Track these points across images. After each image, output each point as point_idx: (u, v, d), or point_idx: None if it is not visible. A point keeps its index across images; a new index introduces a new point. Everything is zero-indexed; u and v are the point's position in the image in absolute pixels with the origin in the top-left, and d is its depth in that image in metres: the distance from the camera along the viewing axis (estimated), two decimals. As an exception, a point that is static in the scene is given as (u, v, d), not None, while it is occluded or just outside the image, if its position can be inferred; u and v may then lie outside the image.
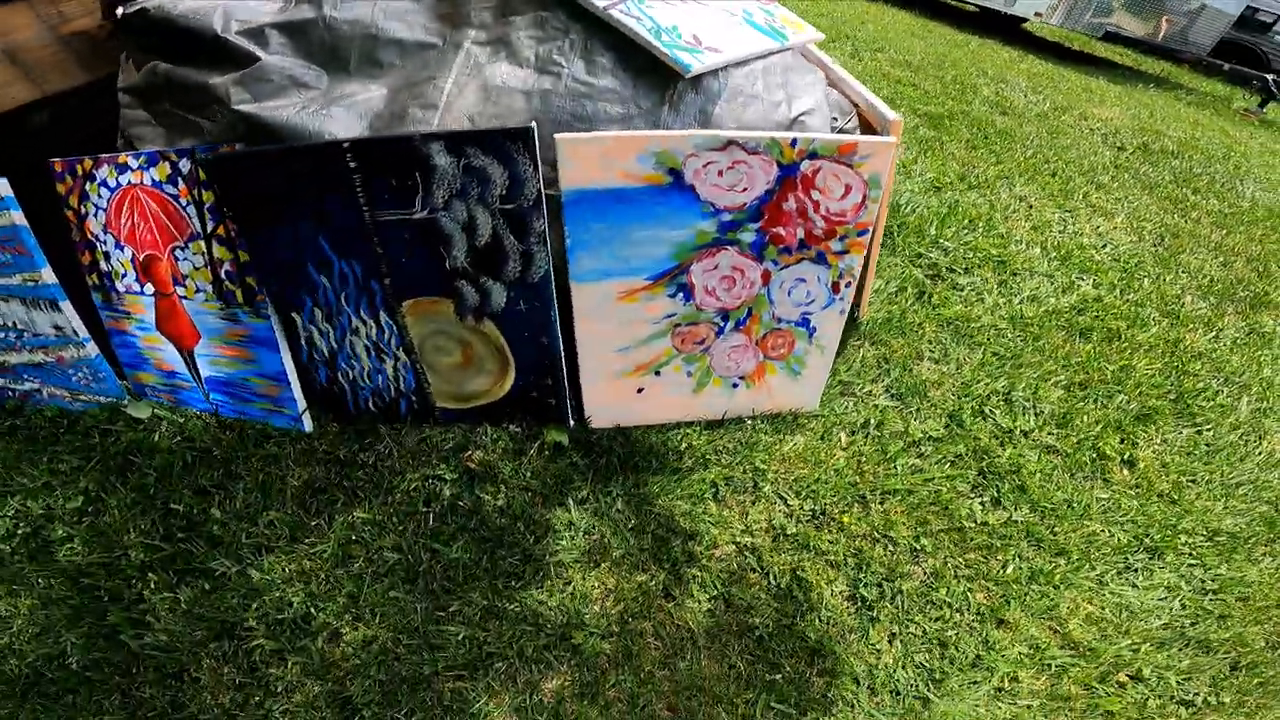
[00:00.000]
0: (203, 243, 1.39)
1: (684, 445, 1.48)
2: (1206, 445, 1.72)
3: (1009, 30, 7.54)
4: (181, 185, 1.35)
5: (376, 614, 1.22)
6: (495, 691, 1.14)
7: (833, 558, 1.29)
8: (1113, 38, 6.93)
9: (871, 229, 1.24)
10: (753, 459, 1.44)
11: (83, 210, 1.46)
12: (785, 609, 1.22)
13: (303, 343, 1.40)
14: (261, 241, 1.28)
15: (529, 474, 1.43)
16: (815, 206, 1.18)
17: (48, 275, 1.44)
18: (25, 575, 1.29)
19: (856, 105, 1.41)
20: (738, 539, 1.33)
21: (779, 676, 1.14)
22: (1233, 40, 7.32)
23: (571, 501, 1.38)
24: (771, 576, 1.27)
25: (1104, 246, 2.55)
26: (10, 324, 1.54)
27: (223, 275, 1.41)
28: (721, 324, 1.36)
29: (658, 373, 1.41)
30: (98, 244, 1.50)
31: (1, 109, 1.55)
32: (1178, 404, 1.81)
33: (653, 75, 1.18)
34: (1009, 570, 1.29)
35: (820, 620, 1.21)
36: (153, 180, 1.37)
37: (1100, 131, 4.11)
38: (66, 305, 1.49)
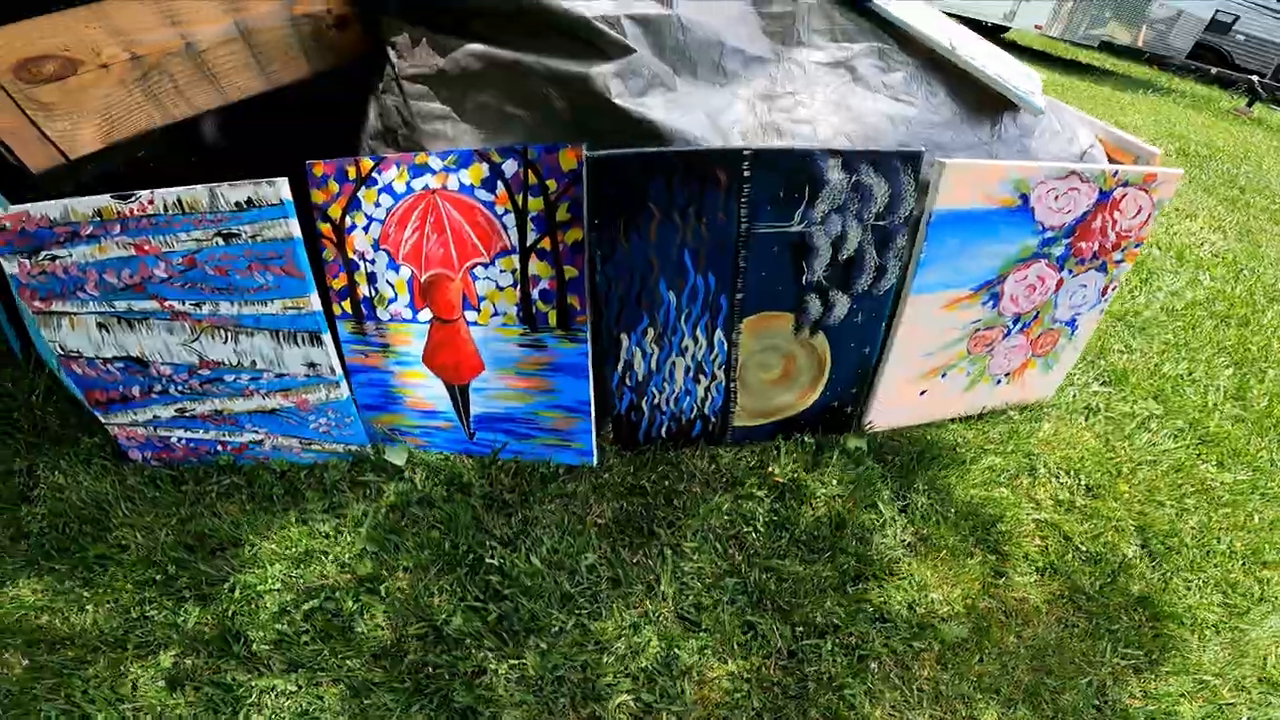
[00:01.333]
0: (515, 258, 1.28)
1: (956, 440, 1.58)
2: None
3: (990, 39, 8.28)
4: (500, 190, 1.23)
5: (735, 644, 1.19)
6: (875, 691, 1.17)
7: (1119, 523, 1.45)
8: (1106, 46, 7.54)
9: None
10: (1021, 446, 1.57)
11: (347, 222, 1.28)
12: (1100, 571, 1.35)
13: (619, 367, 1.33)
14: (618, 253, 1.19)
15: (834, 481, 1.45)
16: (1114, 224, 1.35)
17: (314, 302, 1.26)
18: (325, 660, 1.12)
19: (1101, 139, 1.61)
20: (1036, 516, 1.44)
21: (1117, 628, 1.26)
22: (1200, 41, 7.64)
23: (880, 502, 1.43)
24: (1077, 544, 1.39)
25: (1201, 245, 2.96)
26: (248, 363, 1.31)
27: (535, 295, 1.30)
28: (1011, 326, 1.48)
29: (944, 375, 1.50)
30: (360, 263, 1.32)
31: (227, 99, 1.34)
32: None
33: (978, 111, 1.30)
34: (1255, 520, 1.51)
35: (1132, 576, 1.35)
36: (461, 185, 1.23)
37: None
38: (328, 338, 1.31)
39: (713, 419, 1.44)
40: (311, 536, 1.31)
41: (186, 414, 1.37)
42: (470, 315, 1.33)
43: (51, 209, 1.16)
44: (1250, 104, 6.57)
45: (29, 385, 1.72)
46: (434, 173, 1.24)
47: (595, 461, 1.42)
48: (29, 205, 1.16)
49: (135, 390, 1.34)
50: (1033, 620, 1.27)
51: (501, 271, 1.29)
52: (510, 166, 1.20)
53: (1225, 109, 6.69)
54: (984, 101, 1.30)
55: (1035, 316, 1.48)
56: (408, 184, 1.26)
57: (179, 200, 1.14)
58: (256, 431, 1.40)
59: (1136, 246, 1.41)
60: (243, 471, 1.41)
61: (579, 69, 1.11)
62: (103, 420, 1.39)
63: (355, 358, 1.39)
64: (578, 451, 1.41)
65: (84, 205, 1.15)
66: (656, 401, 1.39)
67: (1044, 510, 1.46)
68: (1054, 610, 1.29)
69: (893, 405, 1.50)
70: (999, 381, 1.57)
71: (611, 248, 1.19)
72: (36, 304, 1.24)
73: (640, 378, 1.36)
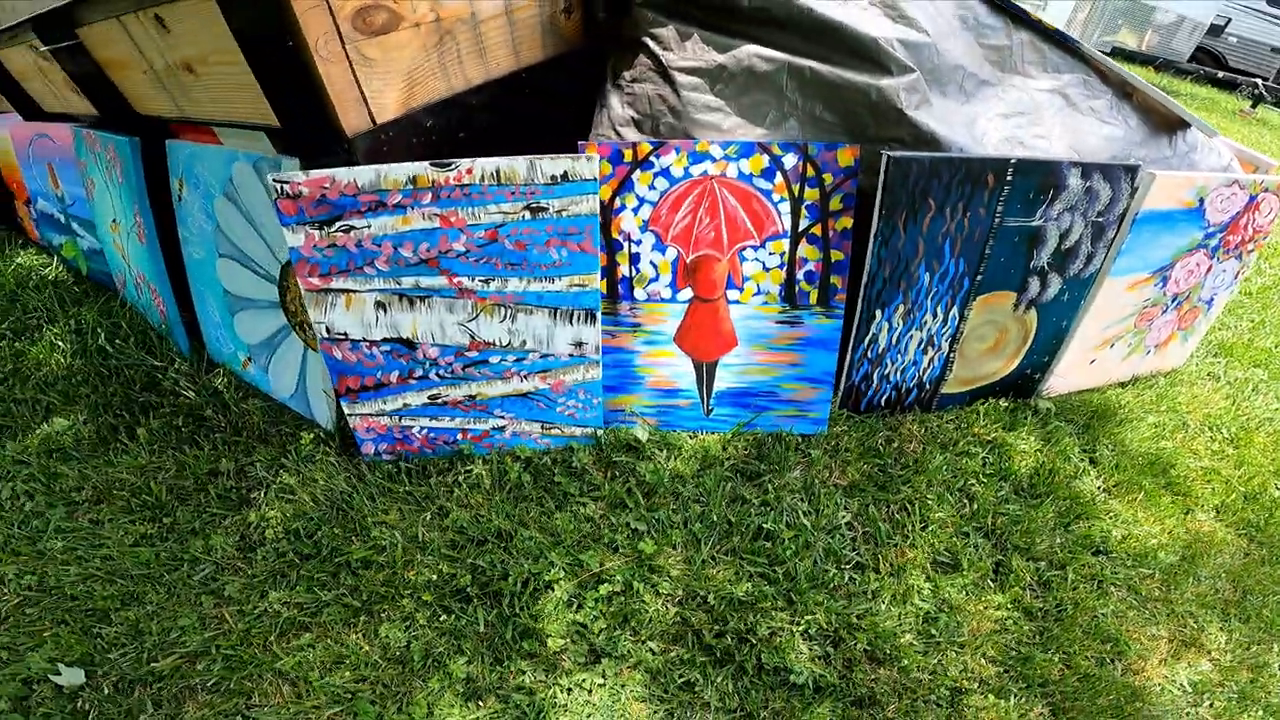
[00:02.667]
0: (785, 241, 1.35)
1: (1119, 402, 1.77)
2: None
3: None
4: (778, 180, 1.31)
5: (990, 580, 1.29)
6: (1120, 612, 1.29)
7: (1262, 467, 1.66)
8: (1117, 51, 7.80)
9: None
10: (1171, 406, 1.79)
11: (616, 203, 1.32)
12: (1259, 506, 1.55)
13: (865, 341, 1.42)
14: (894, 240, 1.30)
15: (1031, 438, 1.60)
16: (1253, 221, 1.59)
17: (595, 280, 1.28)
18: (623, 646, 1.14)
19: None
20: (1198, 464, 1.64)
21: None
22: (1198, 45, 7.91)
23: (1072, 455, 1.58)
24: (1237, 486, 1.59)
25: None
26: (518, 343, 1.30)
27: (800, 276, 1.37)
28: (1169, 304, 1.69)
29: (1112, 346, 1.69)
30: (624, 244, 1.36)
31: (488, 76, 1.32)
32: None
33: (1159, 131, 1.51)
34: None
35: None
36: (740, 173, 1.30)
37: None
38: (598, 315, 1.32)
39: (926, 387, 1.56)
40: (576, 520, 1.31)
41: (439, 400, 1.35)
42: (732, 294, 1.39)
43: (361, 175, 1.11)
44: (1254, 105, 6.76)
45: (211, 384, 1.65)
46: (714, 160, 1.29)
47: (825, 429, 1.52)
48: (334, 170, 1.10)
49: (394, 375, 1.31)
50: (1222, 549, 1.46)
51: (770, 254, 1.36)
52: (790, 160, 1.29)
53: (1231, 110, 6.97)
54: (1161, 123, 1.53)
55: (1187, 296, 1.70)
56: (686, 169, 1.31)
57: (497, 171, 1.13)
58: (502, 417, 1.39)
59: (1264, 240, 1.67)
60: (486, 460, 1.39)
61: (872, 80, 1.23)
62: (346, 410, 1.34)
63: (603, 339, 1.41)
64: (813, 420, 1.49)
65: (399, 172, 1.11)
66: (887, 372, 1.50)
67: (1203, 459, 1.67)
68: (1235, 541, 1.49)
69: (1067, 373, 1.68)
70: (1148, 352, 1.78)
71: (889, 235, 1.29)
72: (313, 280, 1.19)
73: (880, 350, 1.46)
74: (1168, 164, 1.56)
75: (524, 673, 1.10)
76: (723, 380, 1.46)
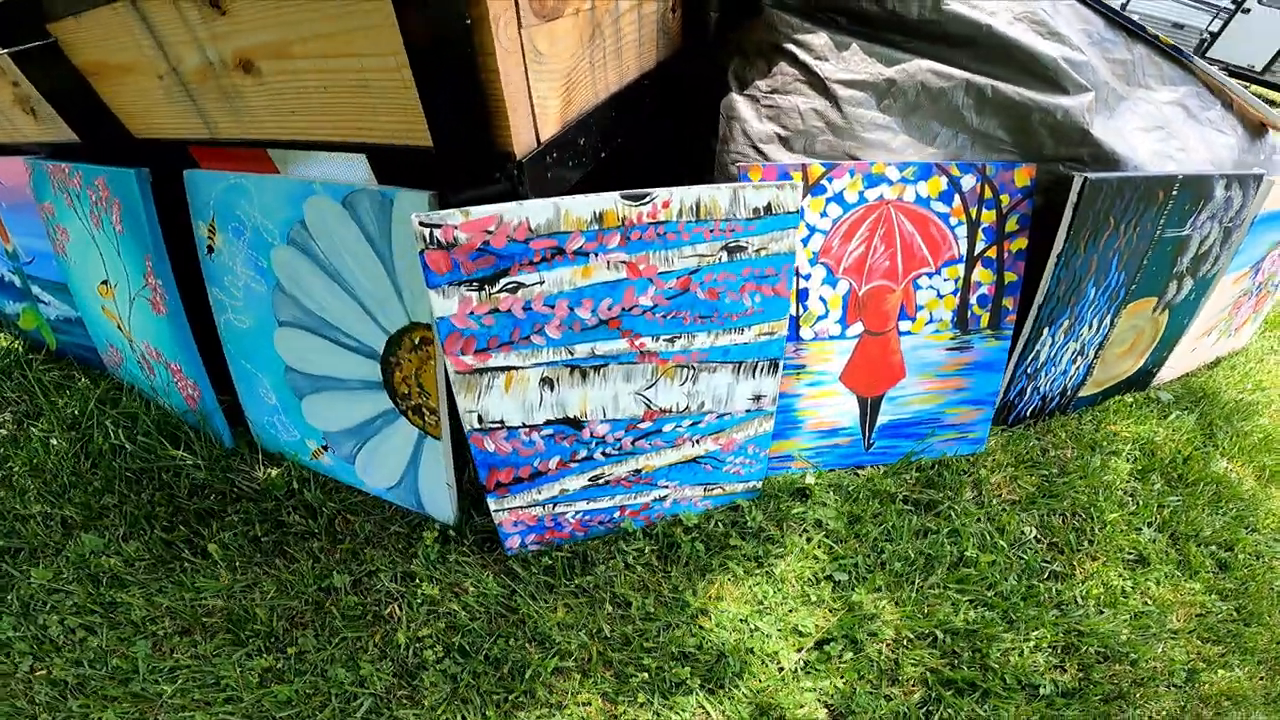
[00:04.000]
0: (961, 266, 1.24)
1: (1214, 385, 1.83)
2: None
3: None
4: (956, 203, 1.20)
5: (1177, 569, 1.32)
6: None
7: None
8: None
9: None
10: (1256, 383, 1.88)
11: (785, 240, 1.16)
12: None
13: (1028, 358, 1.36)
14: (1074, 259, 1.23)
15: (1161, 430, 1.62)
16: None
17: (784, 326, 1.12)
18: (864, 702, 1.05)
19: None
20: None
21: None
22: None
23: (1198, 440, 1.61)
24: None
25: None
26: (696, 406, 1.12)
27: (973, 300, 1.28)
28: (1254, 291, 1.75)
29: (1209, 334, 1.74)
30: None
31: (622, 80, 1.11)
32: None
33: (1255, 137, 1.53)
34: None
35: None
36: (918, 196, 1.19)
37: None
38: (781, 364, 1.16)
39: (1068, 393, 1.54)
40: (772, 582, 1.19)
41: (600, 481, 1.15)
42: (904, 325, 1.28)
43: (535, 212, 0.86)
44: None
45: (279, 482, 1.35)
46: (890, 183, 1.17)
47: (983, 448, 1.45)
48: (500, 208, 0.85)
49: (554, 461, 1.10)
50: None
51: (945, 280, 1.26)
52: (969, 181, 1.19)
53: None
54: (1251, 128, 1.56)
55: (1265, 285, 1.78)
56: (860, 194, 1.17)
57: (697, 204, 0.93)
58: (666, 487, 1.21)
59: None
60: (649, 534, 1.23)
61: (1055, 100, 1.15)
62: (493, 506, 1.12)
63: (769, 384, 1.27)
64: (972, 441, 1.42)
65: (582, 207, 0.88)
66: (1039, 384, 1.45)
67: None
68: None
69: (1174, 362, 1.73)
70: (1230, 335, 1.86)
71: (1071, 254, 1.23)
72: (466, 359, 0.95)
73: (1038, 365, 1.40)
74: (1263, 167, 1.61)
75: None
76: (885, 414, 1.36)
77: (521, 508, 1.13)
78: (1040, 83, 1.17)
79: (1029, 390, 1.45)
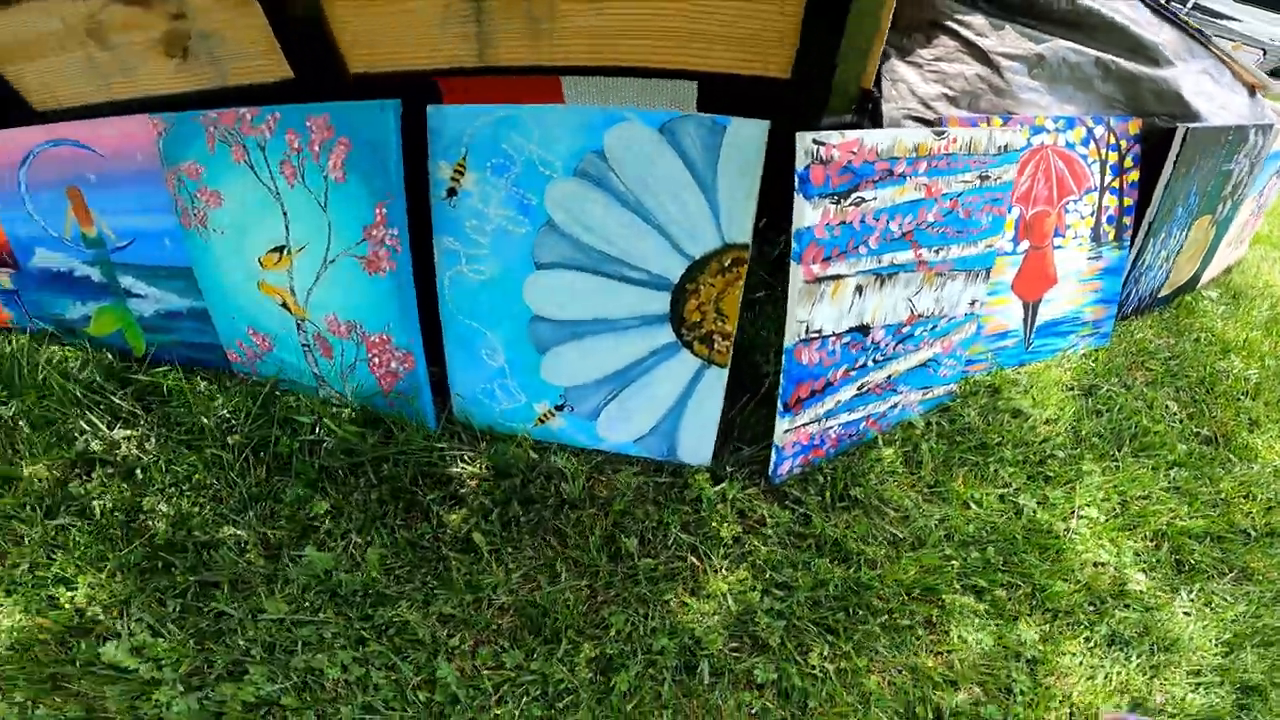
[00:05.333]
0: (1095, 195, 1.60)
1: (1235, 285, 2.31)
2: None
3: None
4: (1091, 146, 1.57)
5: None
6: None
7: None
8: None
9: None
10: (1265, 283, 2.35)
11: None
12: None
13: (1139, 264, 1.77)
14: (1172, 187, 1.63)
15: (1219, 319, 2.05)
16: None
17: (1001, 238, 1.44)
18: None
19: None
20: None
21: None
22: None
23: (1248, 328, 2.02)
24: None
25: None
26: (938, 310, 1.38)
27: (1104, 220, 1.64)
28: (1257, 210, 2.28)
29: (1230, 245, 2.23)
30: None
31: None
32: None
33: (1251, 97, 2.02)
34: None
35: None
36: (1066, 142, 1.55)
37: None
38: (990, 270, 1.46)
39: (1153, 294, 1.97)
40: (1003, 465, 1.40)
41: (863, 389, 1.37)
42: (1057, 241, 1.62)
43: (882, 138, 1.08)
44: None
45: (517, 453, 1.27)
46: (1048, 132, 1.55)
47: (1108, 342, 1.83)
48: (862, 133, 1.06)
49: (839, 372, 1.31)
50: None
51: (1085, 205, 1.64)
52: (1100, 130, 1.60)
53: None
54: (1250, 89, 2.06)
55: (1263, 205, 2.30)
56: (1027, 140, 1.52)
57: (970, 140, 1.24)
58: (900, 393, 1.44)
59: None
60: (889, 443, 1.39)
61: (1158, 72, 1.59)
62: (785, 427, 1.22)
63: (966, 296, 1.56)
64: (1102, 335, 1.81)
65: (909, 138, 1.12)
66: (1140, 286, 1.87)
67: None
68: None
69: (1210, 269, 2.21)
70: (1239, 245, 2.38)
71: (1173, 183, 1.65)
72: (813, 268, 1.14)
73: (1140, 270, 1.81)
74: (1263, 119, 2.11)
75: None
76: (1041, 316, 1.70)
77: (804, 425, 1.30)
78: (1145, 58, 1.60)
79: (1132, 293, 1.86)
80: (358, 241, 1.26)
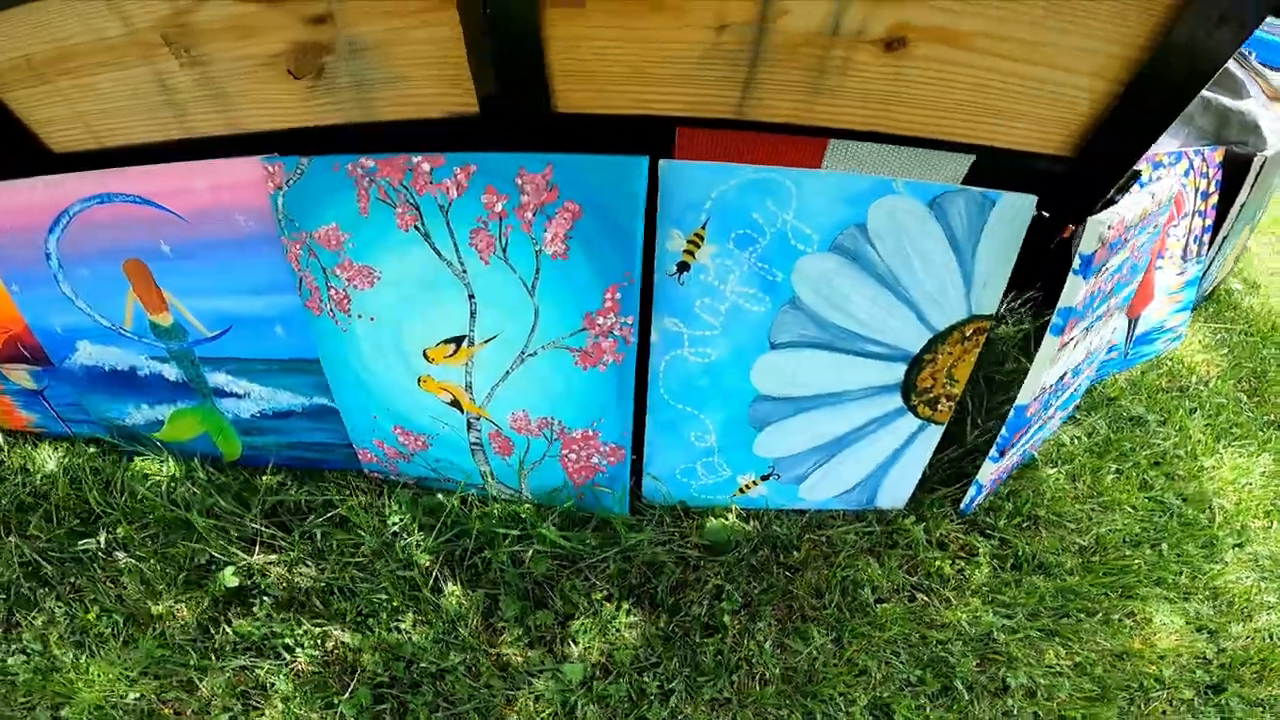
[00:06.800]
0: (1188, 219, 1.75)
1: (1252, 274, 2.67)
2: None
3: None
4: (1191, 176, 1.71)
5: None
6: None
7: None
8: None
9: None
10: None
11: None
12: None
13: (1208, 272, 2.02)
14: (1246, 207, 1.86)
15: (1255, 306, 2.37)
16: None
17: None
18: None
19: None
20: None
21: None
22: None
23: None
24: None
25: None
26: (1096, 347, 1.48)
27: (1191, 241, 1.81)
28: None
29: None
30: None
31: None
32: None
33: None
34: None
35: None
36: (1176, 174, 1.66)
37: None
38: None
39: (1203, 290, 2.23)
40: (1160, 466, 1.62)
41: (1042, 422, 1.47)
42: (1158, 262, 1.79)
43: (1128, 211, 1.08)
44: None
45: (740, 528, 1.31)
46: (1164, 166, 1.70)
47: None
48: (1123, 210, 1.07)
49: (1044, 414, 1.42)
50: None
51: (1180, 229, 1.82)
52: (1197, 161, 1.78)
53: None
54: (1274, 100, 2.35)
55: None
56: (1152, 174, 1.63)
57: (1145, 207, 1.29)
58: (1052, 416, 1.56)
59: None
60: (1047, 461, 1.57)
61: (1240, 105, 1.78)
62: (992, 470, 1.33)
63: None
64: (1177, 338, 2.06)
65: (1139, 202, 1.13)
66: (1202, 287, 2.12)
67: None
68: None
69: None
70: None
71: (1246, 203, 1.88)
72: (1069, 336, 1.18)
73: (1207, 277, 2.05)
74: None
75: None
76: (1140, 328, 1.90)
77: (1007, 462, 1.42)
78: (1230, 93, 1.76)
79: (1195, 294, 2.11)
80: (574, 331, 1.09)
